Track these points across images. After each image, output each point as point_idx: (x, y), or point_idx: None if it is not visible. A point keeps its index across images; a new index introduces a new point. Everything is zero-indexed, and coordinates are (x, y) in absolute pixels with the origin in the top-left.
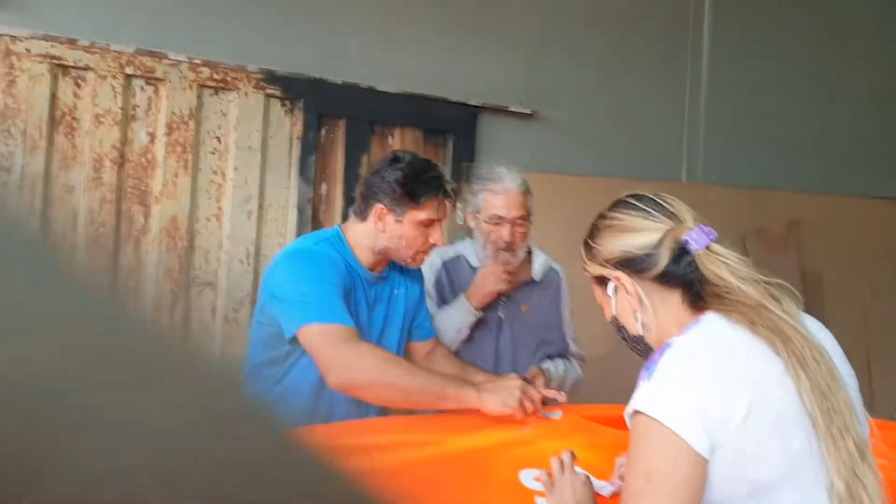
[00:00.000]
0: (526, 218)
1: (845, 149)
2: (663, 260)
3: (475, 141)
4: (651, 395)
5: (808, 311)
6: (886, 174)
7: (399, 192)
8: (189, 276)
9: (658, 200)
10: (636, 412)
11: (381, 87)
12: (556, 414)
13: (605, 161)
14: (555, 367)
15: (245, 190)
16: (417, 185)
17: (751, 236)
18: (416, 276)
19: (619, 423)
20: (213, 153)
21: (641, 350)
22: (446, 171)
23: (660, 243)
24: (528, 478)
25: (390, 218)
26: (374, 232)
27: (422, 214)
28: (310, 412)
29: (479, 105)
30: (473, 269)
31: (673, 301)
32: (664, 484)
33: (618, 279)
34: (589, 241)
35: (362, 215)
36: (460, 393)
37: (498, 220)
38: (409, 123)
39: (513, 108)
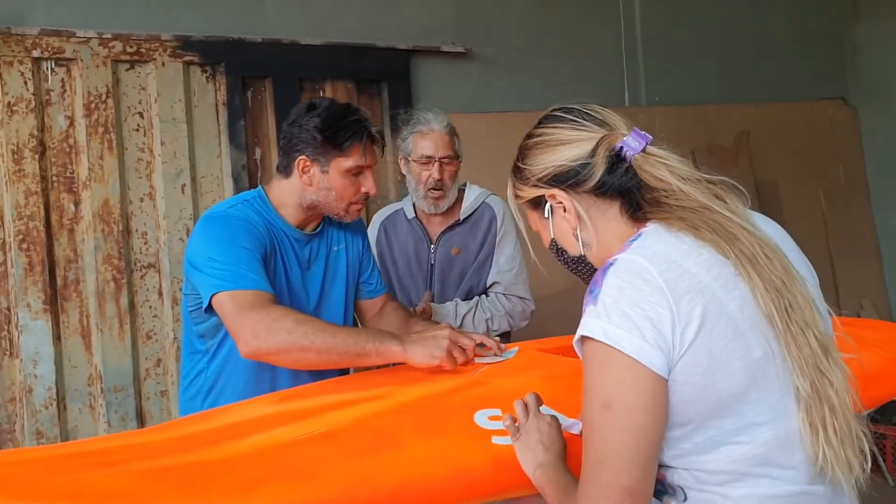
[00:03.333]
0: (454, 157)
1: (786, 54)
2: (599, 169)
3: (410, 87)
4: (598, 319)
5: None
6: (829, 74)
7: (320, 140)
8: (130, 261)
9: (587, 111)
10: (585, 339)
11: (304, 41)
12: (510, 353)
13: (545, 95)
14: (453, 303)
15: (175, 164)
16: (339, 130)
17: (701, 153)
18: (357, 229)
19: (574, 352)
20: (137, 130)
21: (584, 272)
22: (369, 113)
23: (594, 152)
24: (483, 418)
25: (315, 169)
26: (301, 186)
27: (348, 162)
28: (253, 385)
29: (410, 48)
30: (409, 222)
31: (612, 214)
32: (624, 411)
33: (553, 197)
34: (518, 164)
35: (286, 171)
36: (382, 347)
37: (427, 160)
38: (340, 76)
39: (445, 49)
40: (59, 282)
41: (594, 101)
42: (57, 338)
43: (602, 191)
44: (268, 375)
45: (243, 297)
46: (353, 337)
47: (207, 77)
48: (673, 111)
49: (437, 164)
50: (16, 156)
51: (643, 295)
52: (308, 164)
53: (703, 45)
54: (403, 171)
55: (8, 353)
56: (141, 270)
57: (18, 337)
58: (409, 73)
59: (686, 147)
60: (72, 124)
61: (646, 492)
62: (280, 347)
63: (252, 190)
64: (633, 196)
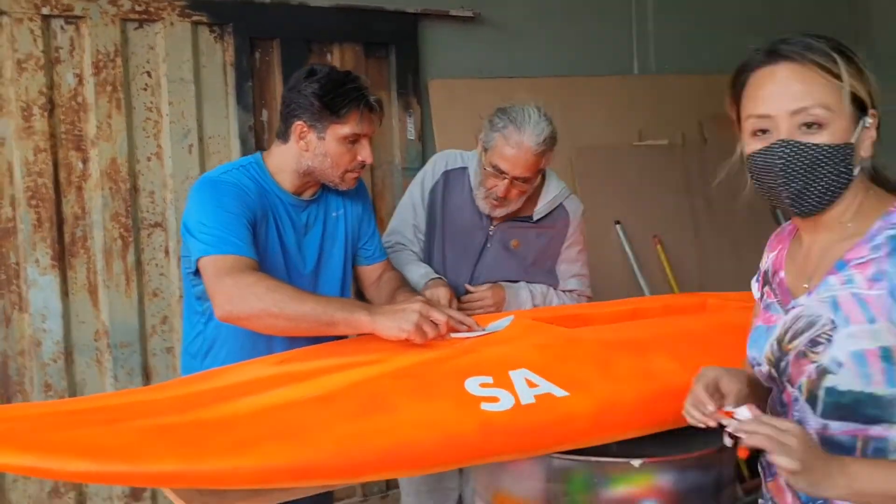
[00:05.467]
0: (530, 180)
1: (798, 23)
2: None
3: (418, 51)
4: None
5: None
6: None
7: (318, 106)
8: (137, 219)
9: None
10: None
11: (313, 3)
12: (503, 322)
13: (554, 61)
14: (519, 287)
15: (183, 124)
16: (337, 97)
17: (708, 122)
18: (358, 194)
19: (568, 322)
20: (145, 89)
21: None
22: (368, 81)
23: None
24: (474, 385)
25: (312, 135)
26: (297, 152)
27: (345, 129)
28: (248, 349)
29: (419, 12)
30: (470, 191)
31: None
32: None
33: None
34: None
35: (284, 136)
36: (351, 318)
37: (499, 174)
38: (348, 39)
39: (454, 13)
40: (67, 238)
41: (603, 67)
42: (65, 293)
43: None
44: (263, 339)
45: (223, 262)
46: (323, 306)
47: (216, 37)
48: (682, 79)
49: (507, 181)
50: (25, 113)
51: None
52: (305, 129)
53: (714, 13)
54: (479, 153)
55: (17, 307)
56: (148, 229)
57: (27, 291)
58: (417, 37)
59: (694, 117)
60: (80, 82)
61: None
62: (251, 313)
63: (250, 155)
64: None
